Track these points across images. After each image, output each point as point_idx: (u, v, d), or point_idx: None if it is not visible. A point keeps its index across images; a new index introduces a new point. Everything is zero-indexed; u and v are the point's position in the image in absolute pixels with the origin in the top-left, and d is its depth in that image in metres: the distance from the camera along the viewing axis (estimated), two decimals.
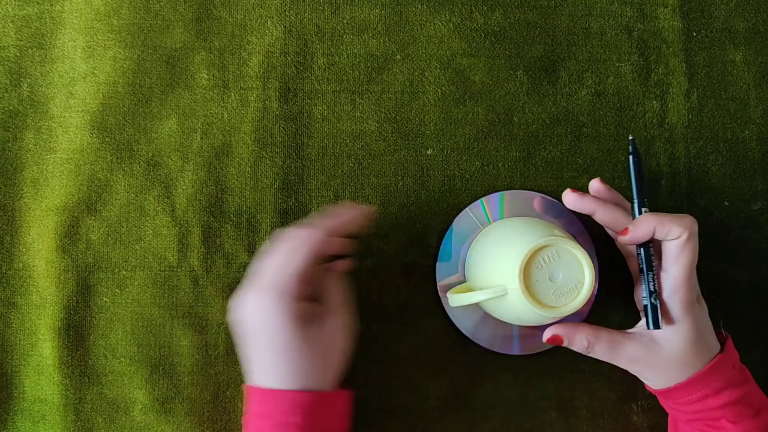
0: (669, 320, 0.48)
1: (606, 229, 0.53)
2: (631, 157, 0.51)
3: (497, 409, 0.56)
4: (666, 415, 0.54)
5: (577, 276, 0.46)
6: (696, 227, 0.48)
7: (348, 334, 0.49)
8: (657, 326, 0.48)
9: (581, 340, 0.49)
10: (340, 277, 0.52)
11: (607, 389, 0.56)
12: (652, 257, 0.49)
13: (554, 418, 0.56)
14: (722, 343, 0.50)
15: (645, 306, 0.48)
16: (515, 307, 0.47)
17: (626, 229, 0.49)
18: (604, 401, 0.56)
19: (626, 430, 0.56)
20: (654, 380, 0.50)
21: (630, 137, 0.52)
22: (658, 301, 0.48)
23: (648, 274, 0.49)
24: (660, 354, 0.48)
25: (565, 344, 0.50)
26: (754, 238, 0.57)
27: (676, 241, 0.47)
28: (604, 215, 0.49)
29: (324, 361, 0.47)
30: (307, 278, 0.47)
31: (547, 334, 0.50)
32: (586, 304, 0.48)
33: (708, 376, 0.48)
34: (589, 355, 0.50)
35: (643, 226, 0.48)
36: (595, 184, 0.51)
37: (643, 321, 0.50)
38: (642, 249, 0.49)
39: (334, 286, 0.51)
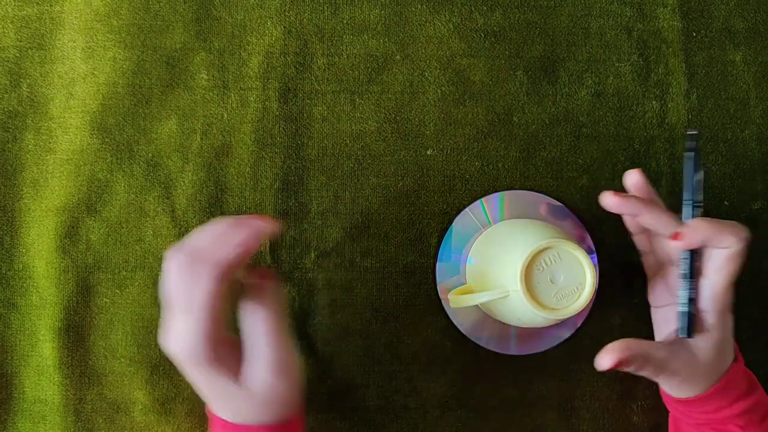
0: (701, 328, 0.46)
1: (627, 224, 0.50)
2: (692, 154, 0.47)
3: (497, 409, 0.56)
4: (666, 415, 0.54)
5: (578, 278, 0.46)
6: (749, 238, 0.45)
7: (279, 371, 0.43)
8: (690, 335, 0.46)
9: (635, 362, 0.45)
10: (261, 302, 0.44)
11: (607, 389, 0.56)
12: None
13: (554, 419, 0.56)
14: None
15: (682, 312, 0.46)
16: (516, 308, 0.47)
17: (677, 233, 0.45)
18: (605, 401, 0.56)
19: (626, 431, 0.56)
20: (677, 390, 0.48)
21: (695, 131, 0.47)
22: (695, 309, 0.46)
23: (690, 281, 0.46)
24: (697, 365, 0.46)
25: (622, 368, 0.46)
26: (754, 237, 0.57)
27: (726, 250, 0.45)
28: (650, 218, 0.46)
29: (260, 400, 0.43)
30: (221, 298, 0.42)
31: (606, 362, 0.45)
32: (586, 305, 0.48)
33: (725, 389, 0.47)
34: (638, 374, 0.47)
35: (699, 232, 0.45)
36: (634, 177, 0.48)
37: (667, 330, 0.49)
38: (690, 254, 0.46)
39: (253, 316, 0.44)
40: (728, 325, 0.47)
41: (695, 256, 0.46)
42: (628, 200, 0.46)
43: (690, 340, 0.46)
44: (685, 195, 0.47)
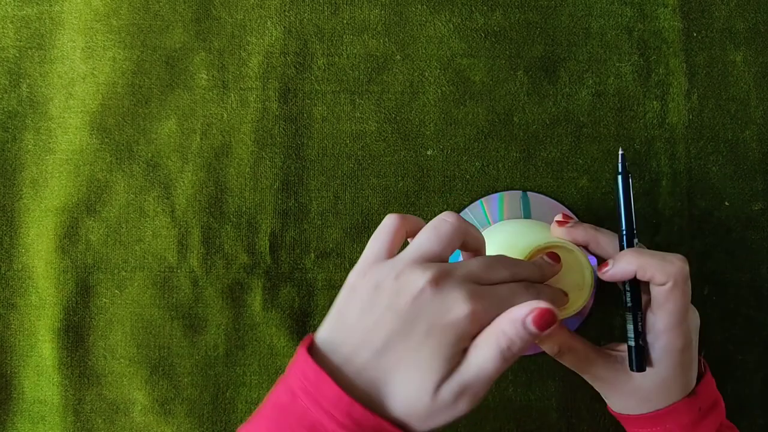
0: (648, 362, 0.44)
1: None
2: (619, 177, 0.44)
3: (497, 409, 0.56)
4: None
5: (576, 278, 0.46)
6: (685, 272, 0.42)
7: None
8: (641, 369, 0.44)
9: (552, 346, 0.45)
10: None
11: None
12: (642, 294, 0.44)
13: (554, 419, 0.56)
14: (701, 375, 0.46)
15: (629, 346, 0.44)
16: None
17: (607, 262, 0.43)
18: (605, 402, 0.56)
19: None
20: (612, 401, 0.47)
21: (620, 151, 0.45)
22: (643, 343, 0.44)
23: (636, 314, 0.44)
24: (627, 384, 0.45)
25: (536, 341, 0.45)
26: (754, 238, 0.57)
27: (662, 287, 0.42)
28: (597, 248, 0.45)
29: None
30: None
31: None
32: (586, 305, 0.48)
33: (664, 418, 0.44)
34: (557, 359, 0.47)
35: (622, 265, 0.43)
36: (558, 226, 0.46)
37: (624, 346, 0.47)
38: (628, 285, 0.44)
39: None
40: (684, 362, 0.44)
41: (637, 289, 0.44)
42: (576, 229, 0.45)
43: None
44: (622, 223, 0.44)
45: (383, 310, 0.36)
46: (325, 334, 0.38)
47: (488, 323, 0.36)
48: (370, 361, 0.36)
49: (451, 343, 0.36)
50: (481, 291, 0.37)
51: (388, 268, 0.38)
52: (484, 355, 0.36)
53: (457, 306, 0.36)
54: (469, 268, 0.38)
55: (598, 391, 0.48)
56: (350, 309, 0.38)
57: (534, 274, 0.41)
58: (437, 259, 0.38)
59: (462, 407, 0.36)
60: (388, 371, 0.36)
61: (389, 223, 0.40)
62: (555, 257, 0.43)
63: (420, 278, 0.36)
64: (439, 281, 0.36)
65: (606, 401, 0.48)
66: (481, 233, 0.42)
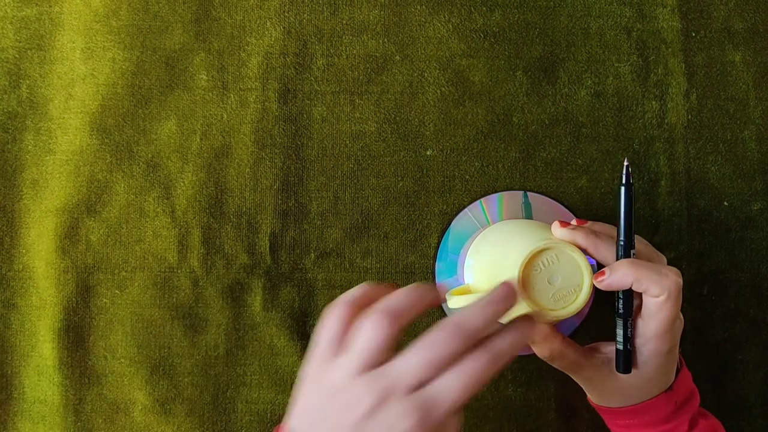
0: (634, 364, 0.46)
1: None
2: (622, 188, 0.45)
3: (497, 409, 0.56)
4: None
5: (575, 279, 0.46)
6: (679, 285, 0.43)
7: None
8: (627, 371, 0.46)
9: (544, 351, 0.47)
10: None
11: None
12: (633, 300, 0.46)
13: (554, 419, 0.56)
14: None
15: (618, 350, 0.46)
16: (514, 309, 0.47)
17: (603, 271, 0.44)
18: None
19: None
20: (593, 396, 0.50)
21: (625, 162, 0.45)
22: (631, 347, 0.46)
23: (626, 321, 0.45)
24: (612, 383, 0.47)
25: (530, 343, 0.48)
26: (753, 238, 0.57)
27: (654, 299, 0.44)
28: (596, 253, 0.45)
29: None
30: None
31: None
32: (585, 307, 0.48)
33: (642, 411, 0.47)
34: (548, 362, 0.48)
35: (618, 276, 0.44)
36: (559, 228, 0.46)
37: (610, 347, 0.49)
38: (621, 293, 0.46)
39: None
40: (667, 363, 0.46)
41: (630, 298, 0.46)
42: (575, 232, 0.45)
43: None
44: (621, 233, 0.45)
45: (335, 422, 0.37)
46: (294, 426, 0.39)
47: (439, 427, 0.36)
48: None
49: None
50: (422, 404, 0.36)
51: (340, 373, 0.38)
52: None
53: (400, 423, 0.35)
54: (407, 380, 0.36)
55: (582, 386, 0.50)
56: (310, 409, 0.39)
57: (485, 325, 0.38)
58: (386, 352, 0.38)
59: None
60: None
61: (335, 311, 0.41)
62: (510, 290, 0.40)
63: (361, 400, 0.36)
64: (377, 406, 0.36)
65: (588, 394, 0.51)
66: (434, 289, 0.40)
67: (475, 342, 0.37)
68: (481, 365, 0.37)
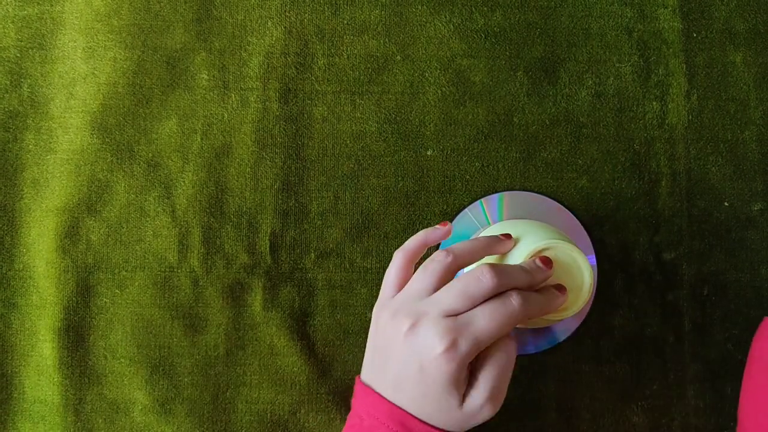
0: None
1: None
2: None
3: None
4: (667, 415, 0.54)
5: (576, 279, 0.46)
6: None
7: (496, 399, 0.43)
8: None
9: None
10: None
11: (607, 390, 0.56)
12: None
13: (554, 419, 0.56)
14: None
15: None
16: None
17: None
18: (605, 402, 0.56)
19: (626, 431, 0.56)
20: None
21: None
22: None
23: None
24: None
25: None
26: (754, 238, 0.57)
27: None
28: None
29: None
30: None
31: None
32: (585, 307, 0.48)
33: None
34: None
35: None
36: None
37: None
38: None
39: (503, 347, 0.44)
40: None
41: None
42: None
43: None
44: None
45: (387, 351, 0.43)
46: (364, 371, 0.46)
47: (471, 350, 0.41)
48: (395, 393, 0.43)
49: (444, 376, 0.40)
50: (454, 326, 0.41)
51: (389, 310, 0.44)
52: (486, 376, 0.42)
53: (432, 346, 0.40)
54: (442, 305, 0.42)
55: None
56: (372, 345, 0.45)
57: (521, 281, 0.43)
58: (427, 295, 0.43)
59: (486, 412, 0.42)
60: (413, 399, 0.42)
61: (396, 259, 0.47)
62: (546, 261, 0.44)
63: (402, 324, 0.42)
64: (414, 326, 0.41)
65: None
66: (475, 244, 0.46)
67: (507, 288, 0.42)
68: (510, 306, 0.41)
